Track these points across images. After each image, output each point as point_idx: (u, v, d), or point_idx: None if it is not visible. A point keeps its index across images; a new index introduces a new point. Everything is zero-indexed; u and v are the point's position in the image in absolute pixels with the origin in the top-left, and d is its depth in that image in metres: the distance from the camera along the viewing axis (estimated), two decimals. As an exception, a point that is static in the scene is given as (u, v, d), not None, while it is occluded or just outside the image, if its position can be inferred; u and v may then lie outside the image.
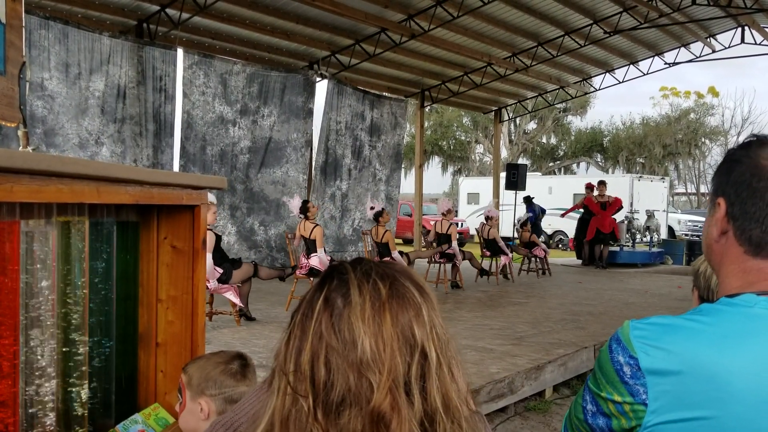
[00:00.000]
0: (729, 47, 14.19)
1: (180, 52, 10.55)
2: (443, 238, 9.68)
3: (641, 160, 34.11)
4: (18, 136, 2.09)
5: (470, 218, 23.03)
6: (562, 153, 36.51)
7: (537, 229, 14.46)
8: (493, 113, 17.80)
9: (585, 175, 30.13)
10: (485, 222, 11.04)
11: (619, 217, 14.55)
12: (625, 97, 62.80)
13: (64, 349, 1.73)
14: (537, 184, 19.94)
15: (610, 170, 34.00)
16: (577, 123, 36.40)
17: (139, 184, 1.75)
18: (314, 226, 7.67)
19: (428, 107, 17.94)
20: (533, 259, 12.18)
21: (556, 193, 21.37)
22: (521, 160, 32.21)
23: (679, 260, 15.83)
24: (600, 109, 61.46)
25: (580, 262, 14.50)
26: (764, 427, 0.91)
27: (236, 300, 6.51)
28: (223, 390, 1.73)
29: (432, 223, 11.06)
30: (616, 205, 13.76)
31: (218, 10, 10.15)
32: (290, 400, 0.83)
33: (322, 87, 13.06)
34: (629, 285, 11.06)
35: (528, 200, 14.36)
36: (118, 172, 1.69)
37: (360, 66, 12.91)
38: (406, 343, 0.83)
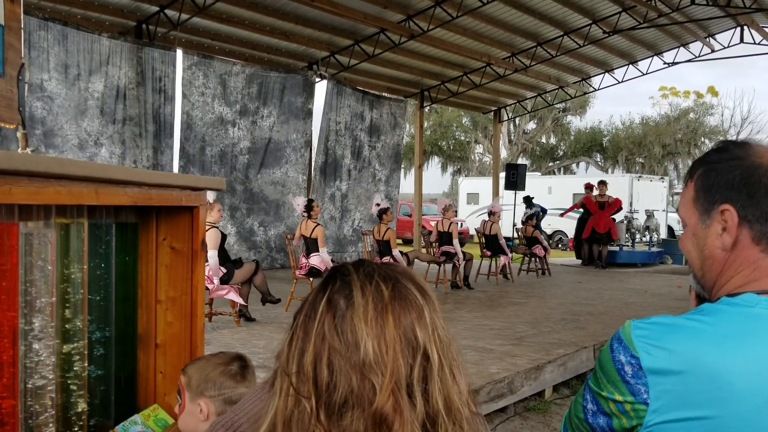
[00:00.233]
0: (728, 47, 14.20)
1: (179, 52, 10.55)
2: (445, 237, 9.68)
3: (641, 160, 34.13)
4: (17, 137, 2.09)
5: (470, 218, 23.03)
6: (561, 153, 36.52)
7: (538, 228, 14.47)
8: (492, 113, 17.81)
9: (584, 174, 30.15)
10: (488, 217, 11.02)
11: (618, 217, 14.55)
12: (624, 96, 62.91)
13: (63, 350, 1.73)
14: (536, 184, 19.94)
15: (610, 170, 34.01)
16: (576, 123, 36.43)
17: (138, 185, 1.75)
18: (316, 225, 7.67)
19: (428, 107, 17.95)
20: (533, 259, 12.18)
21: (556, 193, 21.37)
22: (521, 160, 32.22)
23: (679, 260, 15.81)
24: (599, 109, 61.71)
25: (579, 262, 14.51)
26: (765, 426, 0.91)
27: (238, 299, 6.51)
28: (222, 391, 1.73)
29: (432, 223, 11.07)
30: (615, 205, 13.76)
31: (217, 10, 10.15)
32: (293, 401, 0.83)
33: (321, 87, 13.08)
34: (629, 285, 11.06)
35: (528, 200, 14.36)
36: (116, 173, 1.69)
37: (359, 66, 12.91)
38: (408, 345, 0.83)
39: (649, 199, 19.92)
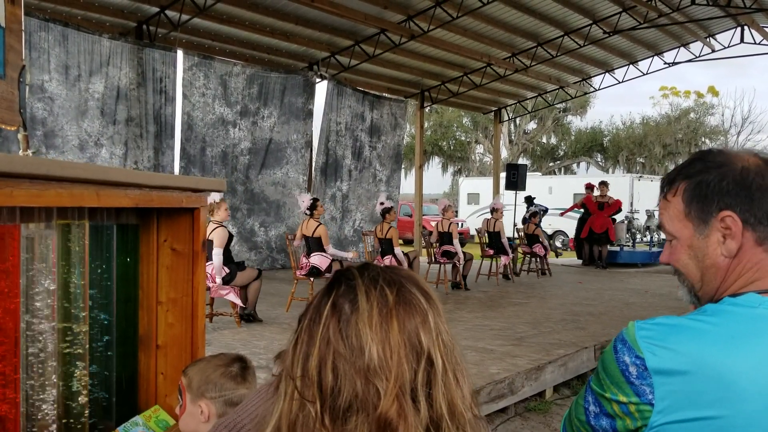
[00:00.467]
0: (728, 47, 14.20)
1: (180, 53, 10.55)
2: (445, 237, 9.69)
3: (641, 160, 34.11)
4: (18, 139, 2.09)
5: (470, 218, 23.03)
6: (562, 153, 36.51)
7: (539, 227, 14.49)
8: (492, 113, 17.81)
9: (585, 175, 30.12)
10: (491, 215, 11.01)
11: (619, 217, 14.55)
12: (624, 96, 62.87)
13: (64, 352, 1.73)
14: (537, 184, 19.93)
15: (610, 170, 34.00)
16: (577, 123, 36.45)
17: (139, 187, 1.75)
18: (318, 225, 7.69)
19: (428, 108, 17.95)
20: (534, 259, 12.18)
21: (556, 193, 21.36)
22: (521, 160, 32.21)
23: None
24: (600, 109, 61.62)
25: (580, 262, 14.51)
26: None
27: (237, 300, 6.51)
28: (223, 392, 1.74)
29: (433, 223, 11.07)
30: (614, 206, 13.76)
31: (218, 11, 10.15)
32: (297, 405, 0.84)
33: (321, 88, 13.08)
34: (629, 285, 11.06)
35: (529, 200, 14.36)
36: (117, 176, 1.70)
37: (360, 67, 12.91)
38: (412, 349, 0.84)
39: (649, 199, 19.88)
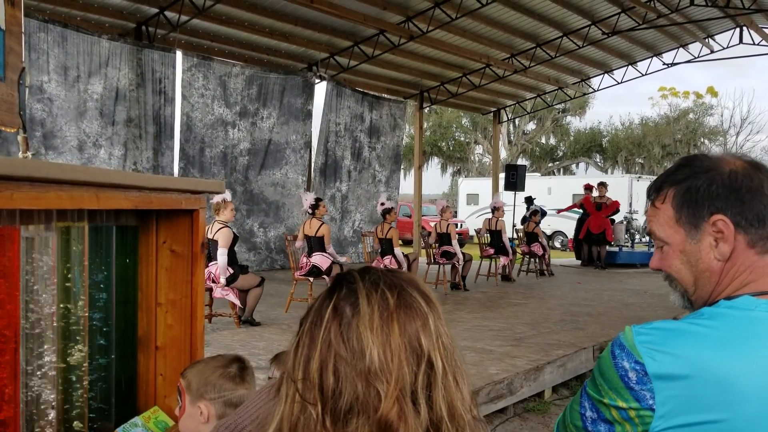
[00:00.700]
0: (727, 47, 14.22)
1: (179, 54, 10.56)
2: (444, 238, 9.69)
3: (640, 161, 34.13)
4: (17, 140, 2.09)
5: (470, 219, 23.04)
6: (561, 153, 36.53)
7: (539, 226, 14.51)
8: (492, 114, 17.82)
9: (584, 175, 30.13)
10: (492, 214, 11.00)
11: (618, 217, 14.56)
12: (623, 97, 62.93)
13: (64, 353, 1.73)
14: (536, 185, 19.95)
15: (610, 170, 34.01)
16: (576, 123, 36.45)
17: (138, 189, 1.75)
18: (321, 224, 7.70)
19: (427, 108, 17.95)
20: (533, 259, 12.18)
21: (556, 194, 21.37)
22: (520, 161, 32.21)
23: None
24: (599, 109, 61.69)
25: (579, 262, 14.52)
26: None
27: (236, 301, 6.51)
28: (222, 393, 1.74)
29: (432, 224, 11.06)
30: (612, 207, 13.78)
31: (217, 12, 10.15)
32: (299, 408, 0.85)
33: (321, 89, 13.09)
34: (628, 285, 11.06)
35: (529, 200, 14.37)
36: (116, 178, 1.70)
37: (359, 68, 12.92)
38: (413, 352, 0.84)
39: (648, 199, 19.90)
